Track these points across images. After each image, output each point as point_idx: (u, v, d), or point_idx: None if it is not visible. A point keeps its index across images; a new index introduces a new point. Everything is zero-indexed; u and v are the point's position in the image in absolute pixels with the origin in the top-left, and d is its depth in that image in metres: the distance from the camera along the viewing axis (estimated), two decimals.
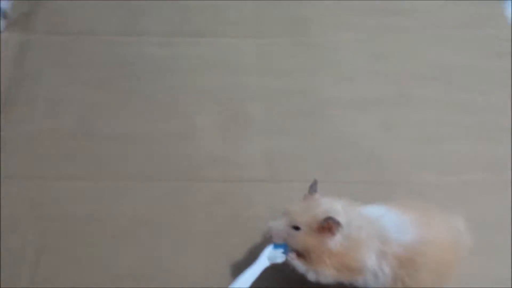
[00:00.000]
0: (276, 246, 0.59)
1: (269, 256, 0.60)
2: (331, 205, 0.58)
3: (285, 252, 0.59)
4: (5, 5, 1.01)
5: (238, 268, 0.66)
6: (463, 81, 0.89)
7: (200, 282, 0.67)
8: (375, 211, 0.60)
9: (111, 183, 0.76)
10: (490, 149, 0.81)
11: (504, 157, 0.80)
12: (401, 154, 0.80)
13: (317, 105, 0.86)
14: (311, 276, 0.59)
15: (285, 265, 0.60)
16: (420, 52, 0.94)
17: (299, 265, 0.59)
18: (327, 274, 0.58)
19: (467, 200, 0.74)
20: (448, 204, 0.72)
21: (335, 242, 0.56)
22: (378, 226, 0.58)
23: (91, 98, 0.87)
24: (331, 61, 0.93)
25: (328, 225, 0.56)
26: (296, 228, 0.57)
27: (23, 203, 0.74)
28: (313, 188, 0.61)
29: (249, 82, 0.90)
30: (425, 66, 0.92)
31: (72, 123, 0.83)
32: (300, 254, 0.59)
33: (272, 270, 0.60)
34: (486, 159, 0.80)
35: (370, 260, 0.58)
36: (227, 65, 0.92)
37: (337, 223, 0.55)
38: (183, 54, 0.94)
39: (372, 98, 0.87)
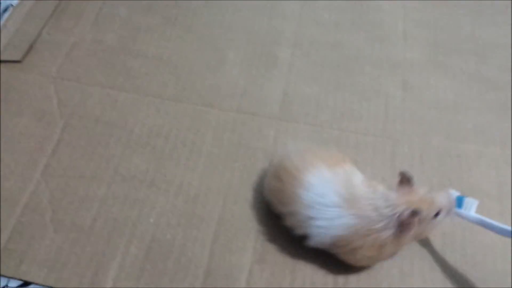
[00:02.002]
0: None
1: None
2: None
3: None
4: None
5: (231, 188, 0.72)
6: (495, 57, 0.89)
7: (193, 194, 0.71)
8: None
9: (138, 96, 0.81)
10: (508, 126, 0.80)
11: None
12: (414, 115, 0.81)
13: (347, 59, 0.88)
14: None
15: None
16: (460, 24, 0.95)
17: None
18: None
19: (468, 170, 0.75)
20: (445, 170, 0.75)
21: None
22: None
23: (135, 19, 0.93)
24: (372, 20, 0.95)
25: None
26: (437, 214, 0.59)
27: (52, 99, 0.80)
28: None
29: (286, 28, 0.93)
30: (462, 38, 0.92)
31: (113, 38, 0.89)
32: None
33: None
34: (501, 133, 0.80)
35: None
36: (269, 9, 0.96)
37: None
38: None
39: (401, 59, 0.88)
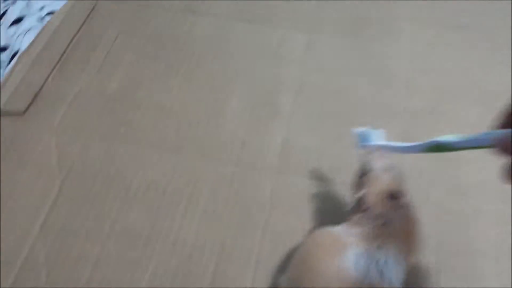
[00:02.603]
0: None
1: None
2: None
3: None
4: None
5: (225, 247, 0.71)
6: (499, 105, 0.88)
7: (188, 253, 0.71)
8: None
9: (137, 148, 0.82)
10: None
11: None
12: (413, 169, 0.80)
13: (348, 107, 0.88)
14: None
15: None
16: (466, 72, 0.93)
17: None
18: None
19: (466, 227, 0.74)
20: (443, 227, 0.74)
21: None
22: None
23: (139, 67, 0.93)
24: (376, 66, 0.94)
25: None
26: None
27: (53, 153, 0.81)
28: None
29: (289, 74, 0.93)
30: (467, 87, 0.91)
31: (116, 88, 0.90)
32: None
33: None
34: (502, 189, 0.78)
35: None
36: (273, 55, 0.96)
37: None
38: (235, 38, 0.99)
39: (402, 108, 0.87)
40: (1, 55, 1.00)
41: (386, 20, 1.02)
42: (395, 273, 0.59)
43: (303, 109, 0.87)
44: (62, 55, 0.94)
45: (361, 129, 0.65)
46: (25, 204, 0.75)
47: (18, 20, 1.05)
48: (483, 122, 0.85)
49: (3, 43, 1.02)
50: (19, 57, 0.94)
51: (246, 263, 0.70)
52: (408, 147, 0.57)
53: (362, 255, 0.59)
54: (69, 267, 0.69)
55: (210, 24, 1.00)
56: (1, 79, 0.93)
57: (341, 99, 0.89)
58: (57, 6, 1.03)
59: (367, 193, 0.61)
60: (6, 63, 0.97)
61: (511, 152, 0.38)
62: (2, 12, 1.07)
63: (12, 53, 0.98)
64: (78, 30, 0.98)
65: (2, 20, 1.06)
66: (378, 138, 0.63)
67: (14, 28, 1.04)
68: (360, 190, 0.62)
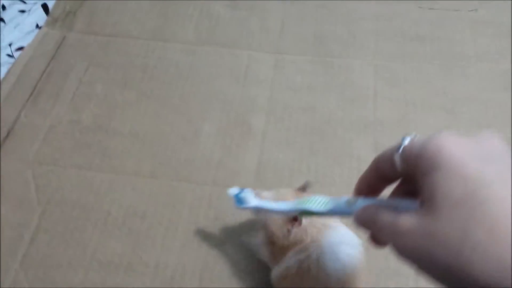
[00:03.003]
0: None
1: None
2: None
3: None
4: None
5: (207, 267, 0.73)
6: (466, 112, 0.91)
7: (170, 276, 0.72)
8: None
9: (114, 176, 0.83)
10: None
11: None
12: None
13: (319, 123, 0.90)
14: None
15: None
16: (430, 80, 0.96)
17: None
18: None
19: None
20: None
21: None
22: None
23: (111, 96, 0.94)
24: (343, 81, 0.96)
25: None
26: None
27: (30, 186, 0.81)
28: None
29: (259, 94, 0.95)
30: (433, 95, 0.94)
31: (89, 118, 0.91)
32: None
33: None
34: None
35: None
36: (243, 77, 0.98)
37: None
38: (204, 62, 1.00)
39: (371, 120, 0.90)
40: None
41: (348, 35, 1.04)
42: (355, 237, 0.62)
43: (275, 127, 0.89)
44: (34, 89, 0.94)
45: (234, 191, 0.61)
46: (6, 237, 0.76)
47: None
48: (450, 127, 0.89)
49: None
50: None
51: (229, 281, 0.71)
52: (281, 209, 0.53)
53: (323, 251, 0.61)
54: None
55: (179, 50, 1.02)
56: None
57: (311, 115, 0.91)
58: (25, 41, 1.04)
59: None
60: None
61: (368, 227, 0.41)
62: None
63: None
64: (49, 64, 0.98)
65: None
66: (251, 197, 0.59)
67: None
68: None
